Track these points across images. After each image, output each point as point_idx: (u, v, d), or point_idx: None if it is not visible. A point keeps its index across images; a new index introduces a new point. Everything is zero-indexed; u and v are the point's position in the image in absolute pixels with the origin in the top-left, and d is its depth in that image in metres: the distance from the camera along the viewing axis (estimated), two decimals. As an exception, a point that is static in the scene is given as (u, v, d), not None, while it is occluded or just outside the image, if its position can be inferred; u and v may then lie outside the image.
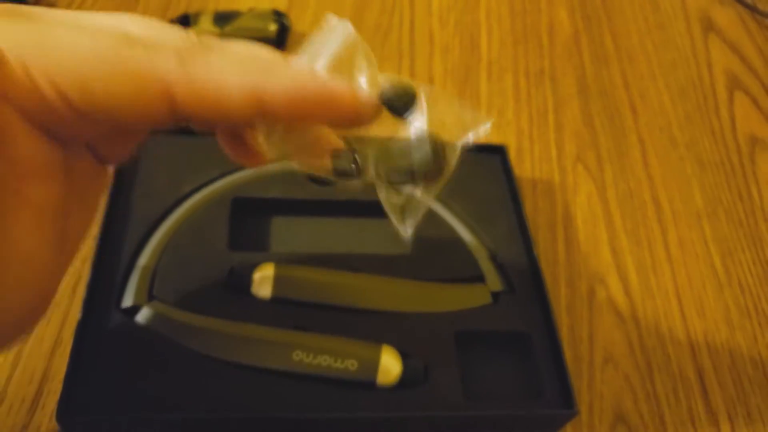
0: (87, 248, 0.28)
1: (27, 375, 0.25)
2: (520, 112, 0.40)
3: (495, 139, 0.38)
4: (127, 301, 0.25)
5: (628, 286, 0.33)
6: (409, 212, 0.18)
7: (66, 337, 0.26)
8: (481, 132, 0.17)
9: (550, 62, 0.43)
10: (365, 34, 0.42)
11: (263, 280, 0.26)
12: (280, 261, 0.27)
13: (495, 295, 0.28)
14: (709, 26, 0.50)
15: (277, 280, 0.26)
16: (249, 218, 0.29)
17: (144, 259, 0.26)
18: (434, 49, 0.42)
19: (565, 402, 0.25)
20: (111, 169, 0.18)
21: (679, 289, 0.33)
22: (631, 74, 0.44)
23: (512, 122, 0.39)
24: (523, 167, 0.37)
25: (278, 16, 0.39)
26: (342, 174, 0.17)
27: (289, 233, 0.30)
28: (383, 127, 0.16)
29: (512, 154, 0.37)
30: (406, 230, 0.18)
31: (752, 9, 0.52)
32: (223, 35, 0.36)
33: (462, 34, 0.44)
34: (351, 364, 0.24)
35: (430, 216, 0.31)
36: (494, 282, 0.29)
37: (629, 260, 0.34)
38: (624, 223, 0.36)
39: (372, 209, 0.31)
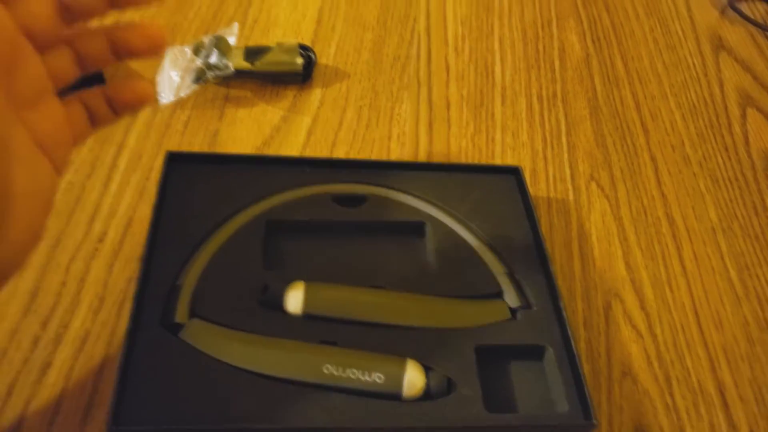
0: (132, 269, 0.30)
1: (79, 388, 0.27)
2: (534, 134, 0.41)
3: (510, 161, 0.39)
4: (171, 319, 0.27)
5: (643, 300, 0.34)
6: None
7: (113, 353, 0.28)
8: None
9: (563, 85, 0.45)
10: (385, 65, 0.44)
11: (295, 298, 0.28)
12: (310, 279, 0.29)
13: (513, 311, 0.30)
14: (719, 45, 0.51)
15: (308, 298, 0.28)
16: (282, 239, 0.31)
17: (186, 279, 0.28)
18: (450, 77, 0.44)
19: (584, 414, 0.26)
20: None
21: (696, 303, 0.34)
22: (642, 95, 0.46)
23: (527, 144, 0.40)
24: (538, 187, 0.38)
25: (304, 50, 0.41)
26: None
27: (318, 253, 0.32)
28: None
29: (527, 175, 0.38)
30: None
31: (762, 27, 0.53)
32: (254, 69, 0.39)
33: (477, 61, 0.46)
34: (378, 377, 0.26)
35: (451, 235, 0.32)
36: (512, 298, 0.30)
37: (644, 275, 0.35)
38: (638, 239, 0.36)
39: (395, 229, 0.33)
